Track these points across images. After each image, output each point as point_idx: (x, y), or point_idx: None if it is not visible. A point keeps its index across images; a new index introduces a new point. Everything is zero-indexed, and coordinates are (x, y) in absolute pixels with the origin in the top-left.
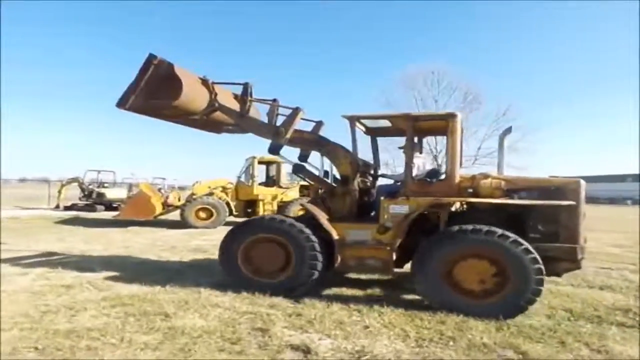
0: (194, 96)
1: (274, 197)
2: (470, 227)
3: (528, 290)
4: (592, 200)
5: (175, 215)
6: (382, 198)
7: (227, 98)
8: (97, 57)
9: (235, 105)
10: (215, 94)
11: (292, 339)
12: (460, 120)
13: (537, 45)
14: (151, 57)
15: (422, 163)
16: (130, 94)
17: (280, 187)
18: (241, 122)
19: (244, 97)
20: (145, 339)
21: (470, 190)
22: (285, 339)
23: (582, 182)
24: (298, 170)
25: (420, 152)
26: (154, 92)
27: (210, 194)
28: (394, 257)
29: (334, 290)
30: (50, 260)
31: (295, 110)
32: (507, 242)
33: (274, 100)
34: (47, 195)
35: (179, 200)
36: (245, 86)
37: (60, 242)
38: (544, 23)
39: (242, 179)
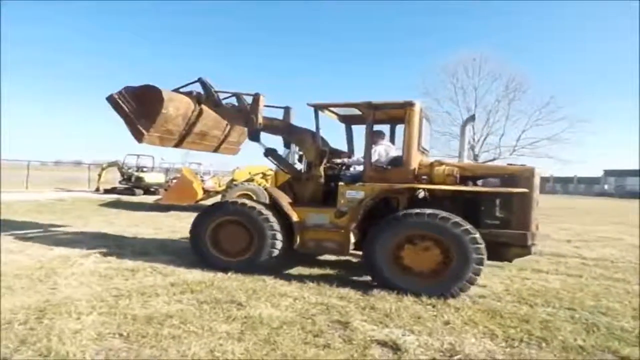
0: (173, 95)
1: None
2: (414, 210)
3: (469, 270)
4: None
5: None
6: (340, 183)
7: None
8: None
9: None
10: (191, 91)
11: (375, 333)
12: (419, 109)
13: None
14: (110, 98)
15: (385, 150)
16: (135, 128)
17: None
18: (217, 111)
19: (207, 89)
20: (225, 328)
21: (426, 177)
22: (368, 333)
23: (537, 170)
24: (269, 154)
25: (392, 141)
26: (144, 111)
27: (251, 180)
28: (351, 239)
29: None
30: (105, 243)
31: (255, 96)
32: (449, 223)
33: (235, 91)
34: (84, 177)
35: (219, 185)
36: (201, 81)
37: (109, 225)
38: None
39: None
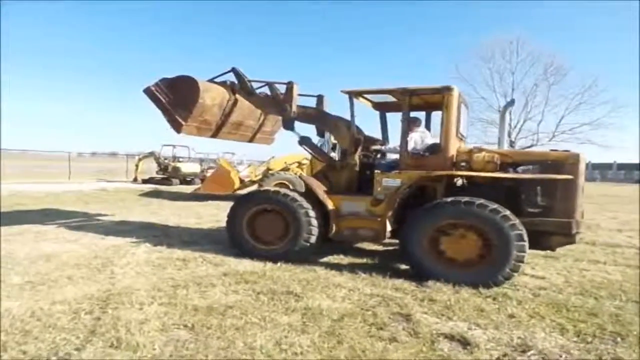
0: (208, 84)
1: None
2: (452, 198)
3: (511, 258)
4: None
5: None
6: (376, 171)
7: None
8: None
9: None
10: (225, 81)
11: (440, 327)
12: (457, 93)
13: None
14: (147, 90)
15: (421, 137)
16: (173, 118)
17: None
18: (251, 100)
19: (241, 78)
20: (287, 319)
21: (464, 164)
22: (433, 327)
23: (582, 156)
24: (303, 142)
25: (427, 127)
26: (182, 102)
27: (287, 169)
28: (388, 227)
29: None
30: (153, 232)
31: (289, 85)
32: (487, 211)
33: (268, 81)
34: (121, 168)
35: (255, 175)
36: (235, 71)
37: (153, 214)
38: None
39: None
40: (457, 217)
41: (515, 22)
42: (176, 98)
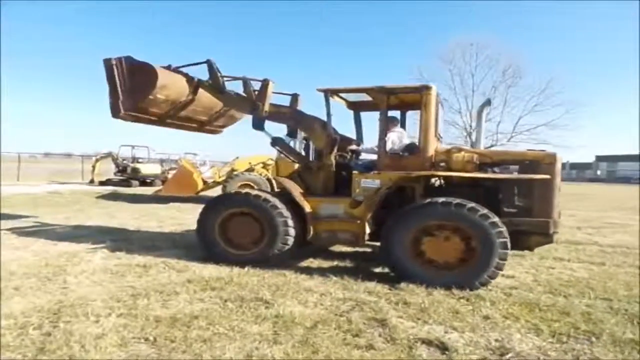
0: (170, 78)
1: None
2: (435, 199)
3: (494, 258)
4: (624, 179)
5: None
6: (354, 172)
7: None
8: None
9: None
10: (187, 73)
11: (416, 331)
12: (435, 93)
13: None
14: (108, 61)
15: (399, 137)
16: (116, 101)
17: None
18: (221, 98)
19: (214, 73)
20: (257, 329)
21: (443, 164)
22: (409, 331)
23: (559, 155)
24: (276, 144)
25: (403, 127)
26: (134, 87)
27: (251, 169)
28: (367, 230)
29: None
30: (110, 237)
31: (264, 82)
32: (470, 211)
33: (243, 76)
34: (77, 169)
35: (219, 176)
36: (209, 63)
37: (111, 218)
38: None
39: (283, 155)
40: (446, 219)
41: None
42: (130, 85)
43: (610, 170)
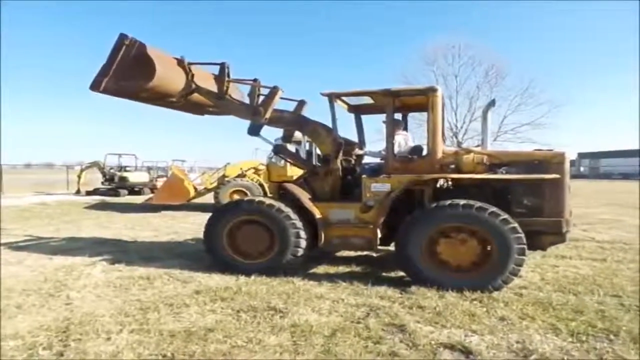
0: (169, 77)
1: None
2: (449, 202)
3: (511, 261)
4: (605, 175)
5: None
6: (363, 176)
7: (205, 79)
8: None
9: (214, 87)
10: (192, 75)
11: (436, 336)
12: (441, 94)
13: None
14: (122, 37)
15: (404, 140)
16: (102, 77)
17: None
18: (218, 104)
19: (221, 77)
20: (275, 340)
21: (453, 166)
22: (430, 336)
23: (567, 154)
24: (279, 150)
25: (405, 129)
26: (128, 74)
27: (242, 175)
28: (379, 234)
29: None
30: (107, 249)
31: (273, 90)
32: (486, 214)
33: (255, 80)
34: (61, 180)
35: (210, 183)
36: (222, 66)
37: (103, 228)
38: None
39: (274, 160)
40: (466, 222)
41: (458, 26)
42: (125, 72)
43: (593, 167)
